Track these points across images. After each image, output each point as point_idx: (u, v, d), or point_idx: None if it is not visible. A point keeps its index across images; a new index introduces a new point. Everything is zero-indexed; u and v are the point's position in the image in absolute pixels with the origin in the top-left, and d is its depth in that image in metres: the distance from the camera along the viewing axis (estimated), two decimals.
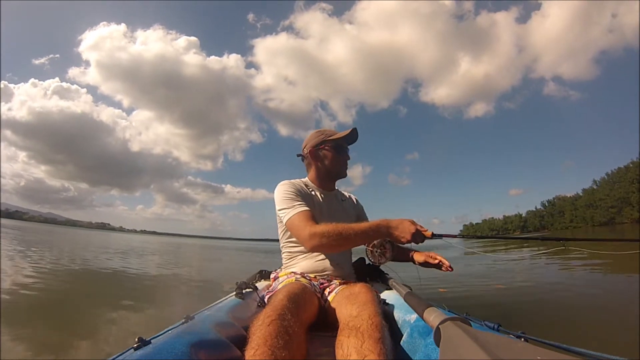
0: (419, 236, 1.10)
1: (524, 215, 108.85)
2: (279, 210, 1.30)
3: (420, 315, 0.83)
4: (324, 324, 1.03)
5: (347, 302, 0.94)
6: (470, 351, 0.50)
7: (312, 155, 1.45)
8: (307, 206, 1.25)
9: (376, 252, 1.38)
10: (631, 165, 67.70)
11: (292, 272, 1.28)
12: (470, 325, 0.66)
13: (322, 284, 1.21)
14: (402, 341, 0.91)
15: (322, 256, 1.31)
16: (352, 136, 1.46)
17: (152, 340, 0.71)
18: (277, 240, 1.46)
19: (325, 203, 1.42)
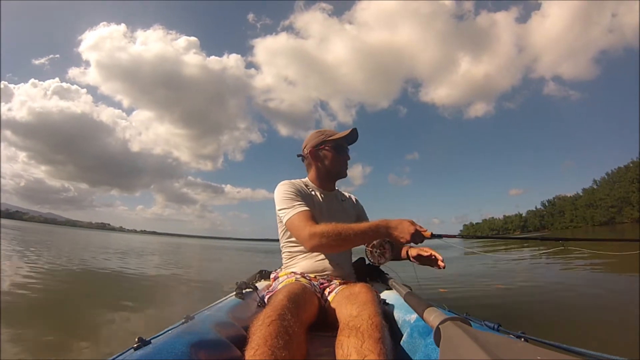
0: (418, 236, 1.10)
1: (524, 215, 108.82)
2: (279, 210, 1.30)
3: (420, 315, 0.83)
4: (324, 324, 1.03)
5: (347, 302, 0.94)
6: (470, 351, 0.50)
7: (312, 155, 1.45)
8: (307, 206, 1.25)
9: (376, 252, 1.38)
10: (631, 164, 67.72)
11: (292, 272, 1.28)
12: (470, 325, 0.66)
13: (322, 284, 1.21)
14: (402, 341, 0.91)
15: (322, 256, 1.31)
16: (352, 136, 1.46)
17: (152, 340, 0.71)
18: (277, 240, 1.46)
19: (325, 203, 1.42)
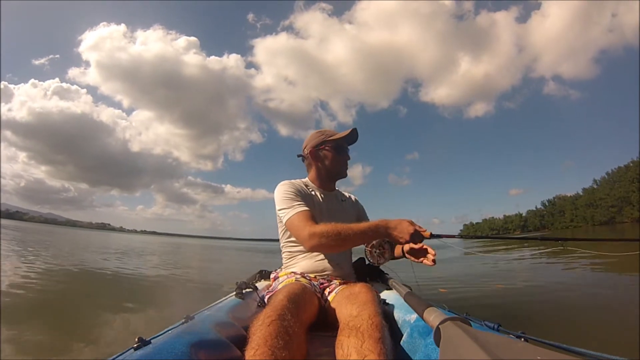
0: (417, 236, 1.10)
1: (524, 214, 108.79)
2: (279, 210, 1.30)
3: (420, 315, 0.83)
4: (324, 324, 1.03)
5: (347, 302, 0.94)
6: (470, 351, 0.50)
7: (313, 155, 1.46)
8: (306, 206, 1.25)
9: (375, 252, 1.38)
10: (631, 164, 67.72)
11: (292, 272, 1.28)
12: (470, 325, 0.66)
13: (322, 284, 1.21)
14: (402, 341, 0.91)
15: (322, 256, 1.31)
16: (352, 136, 1.47)
17: (152, 340, 0.71)
18: (277, 240, 1.46)
19: (325, 203, 1.42)
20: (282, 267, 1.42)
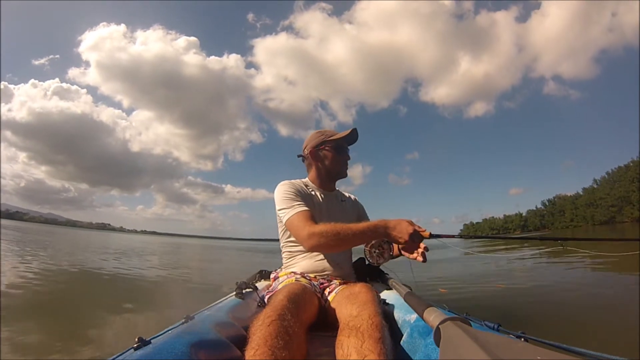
0: (416, 236, 1.09)
1: (524, 214, 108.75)
2: (279, 210, 1.30)
3: (420, 315, 0.83)
4: (324, 324, 1.03)
5: (347, 302, 0.94)
6: (470, 351, 0.50)
7: (313, 155, 1.46)
8: (306, 206, 1.26)
9: (374, 252, 1.38)
10: (631, 164, 67.70)
11: (292, 272, 1.28)
12: (470, 325, 0.66)
13: (322, 284, 1.22)
14: (402, 341, 0.91)
15: (322, 256, 1.31)
16: (352, 136, 1.47)
17: (152, 340, 0.71)
18: (277, 240, 1.46)
19: (325, 203, 1.43)
20: (282, 267, 1.42)
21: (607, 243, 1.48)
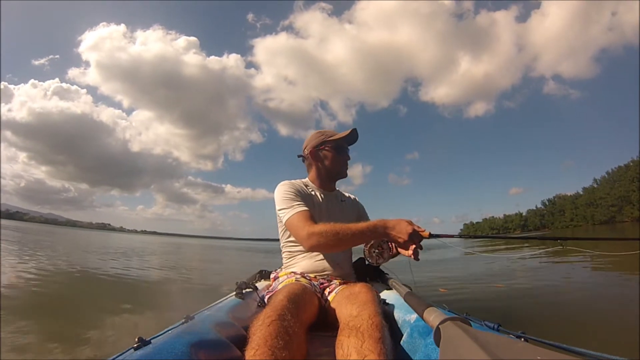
0: (416, 236, 1.09)
1: (524, 214, 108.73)
2: (279, 210, 1.31)
3: (420, 315, 0.83)
4: (324, 324, 1.04)
5: (347, 302, 0.94)
6: (470, 351, 0.50)
7: (313, 155, 1.46)
8: (306, 206, 1.26)
9: (374, 252, 1.38)
10: (631, 163, 67.70)
11: (292, 272, 1.29)
12: (470, 325, 0.66)
13: (322, 284, 1.22)
14: (402, 341, 0.91)
15: (322, 256, 1.31)
16: (352, 136, 1.47)
17: (152, 340, 0.71)
18: (277, 240, 1.47)
19: (325, 203, 1.43)
20: (282, 267, 1.42)
21: (607, 242, 1.48)
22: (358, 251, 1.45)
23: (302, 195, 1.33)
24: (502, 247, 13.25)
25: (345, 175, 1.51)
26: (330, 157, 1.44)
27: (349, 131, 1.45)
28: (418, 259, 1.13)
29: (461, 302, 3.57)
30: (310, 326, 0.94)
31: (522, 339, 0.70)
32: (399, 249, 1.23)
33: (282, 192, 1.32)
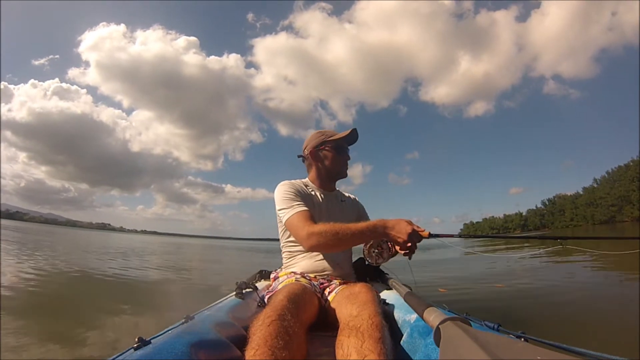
0: (415, 236, 1.09)
1: (524, 214, 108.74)
2: (279, 210, 1.31)
3: (420, 315, 0.83)
4: (324, 324, 1.04)
5: (347, 302, 0.94)
6: (470, 351, 0.50)
7: (313, 155, 1.46)
8: (306, 206, 1.26)
9: (373, 252, 1.38)
10: (631, 163, 67.72)
11: (292, 272, 1.29)
12: (470, 325, 0.66)
13: (322, 284, 1.22)
14: (402, 341, 0.91)
15: (322, 256, 1.31)
16: (352, 136, 1.47)
17: (152, 340, 0.71)
18: (277, 240, 1.47)
19: (325, 203, 1.43)
20: (282, 267, 1.42)
21: (607, 242, 1.48)
22: (358, 251, 1.45)
23: (302, 195, 1.33)
24: (502, 246, 13.25)
25: (345, 175, 1.51)
26: (330, 157, 1.44)
27: (349, 131, 1.45)
28: (410, 258, 1.15)
29: (461, 302, 3.57)
30: (310, 326, 0.94)
31: (522, 339, 0.70)
32: (398, 249, 1.24)
33: (282, 192, 1.32)
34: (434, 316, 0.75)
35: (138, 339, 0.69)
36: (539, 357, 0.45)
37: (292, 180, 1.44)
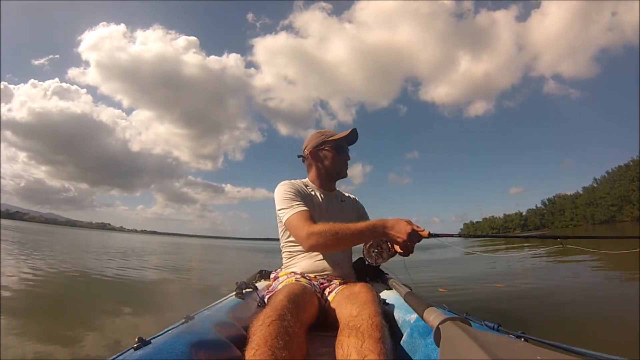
0: (415, 236, 1.09)
1: (524, 213, 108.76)
2: (279, 210, 1.31)
3: (420, 315, 0.83)
4: (324, 324, 1.04)
5: (347, 302, 0.94)
6: (470, 351, 0.50)
7: (313, 156, 1.46)
8: (305, 206, 1.26)
9: (373, 252, 1.38)
10: (631, 163, 67.75)
11: (292, 272, 1.29)
12: (470, 325, 0.66)
13: (322, 284, 1.22)
14: (402, 341, 0.91)
15: (322, 256, 1.31)
16: (352, 136, 1.47)
17: (152, 340, 0.71)
18: (277, 240, 1.47)
19: (325, 203, 1.43)
20: (282, 267, 1.42)
21: (607, 241, 1.48)
22: (358, 251, 1.45)
23: (302, 196, 1.33)
24: (502, 246, 13.25)
25: (345, 175, 1.51)
26: (330, 157, 1.45)
27: (348, 131, 1.45)
28: (406, 256, 1.16)
29: (461, 302, 3.56)
30: (310, 326, 0.94)
31: (522, 339, 0.70)
32: (397, 248, 1.24)
33: (282, 192, 1.32)
34: (434, 316, 0.75)
35: (138, 339, 0.69)
36: (539, 357, 0.45)
37: (292, 180, 1.45)
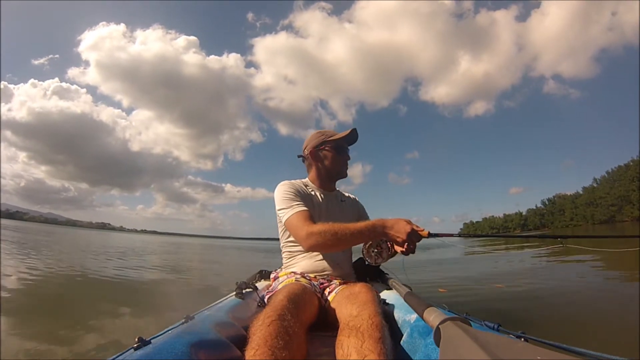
0: (414, 236, 1.09)
1: (524, 213, 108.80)
2: (279, 210, 1.31)
3: (420, 315, 0.83)
4: (324, 324, 1.04)
5: (347, 302, 0.94)
6: (470, 351, 0.50)
7: (313, 156, 1.46)
8: (305, 206, 1.26)
9: (372, 252, 1.38)
10: (631, 163, 67.78)
11: (292, 272, 1.29)
12: (470, 325, 0.66)
13: (322, 283, 1.22)
14: (402, 341, 0.91)
15: (322, 256, 1.31)
16: (352, 136, 1.47)
17: (152, 340, 0.71)
18: (277, 240, 1.47)
19: (325, 203, 1.43)
20: (282, 267, 1.42)
21: (607, 241, 1.48)
22: (358, 251, 1.45)
23: (302, 196, 1.33)
24: (502, 246, 13.24)
25: (345, 175, 1.51)
26: (330, 157, 1.45)
27: (348, 131, 1.45)
28: (407, 255, 1.16)
29: (461, 302, 3.56)
30: (310, 326, 0.94)
31: (522, 339, 0.70)
32: (397, 248, 1.24)
33: (281, 192, 1.32)
34: (434, 316, 0.75)
35: (138, 338, 0.69)
36: (539, 357, 0.45)
37: (292, 180, 1.45)
